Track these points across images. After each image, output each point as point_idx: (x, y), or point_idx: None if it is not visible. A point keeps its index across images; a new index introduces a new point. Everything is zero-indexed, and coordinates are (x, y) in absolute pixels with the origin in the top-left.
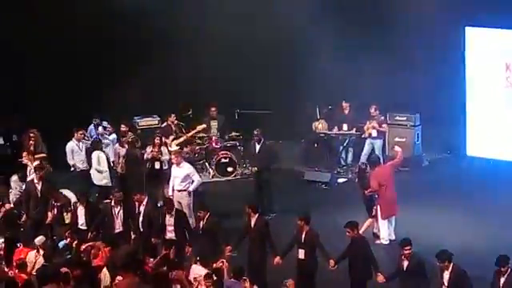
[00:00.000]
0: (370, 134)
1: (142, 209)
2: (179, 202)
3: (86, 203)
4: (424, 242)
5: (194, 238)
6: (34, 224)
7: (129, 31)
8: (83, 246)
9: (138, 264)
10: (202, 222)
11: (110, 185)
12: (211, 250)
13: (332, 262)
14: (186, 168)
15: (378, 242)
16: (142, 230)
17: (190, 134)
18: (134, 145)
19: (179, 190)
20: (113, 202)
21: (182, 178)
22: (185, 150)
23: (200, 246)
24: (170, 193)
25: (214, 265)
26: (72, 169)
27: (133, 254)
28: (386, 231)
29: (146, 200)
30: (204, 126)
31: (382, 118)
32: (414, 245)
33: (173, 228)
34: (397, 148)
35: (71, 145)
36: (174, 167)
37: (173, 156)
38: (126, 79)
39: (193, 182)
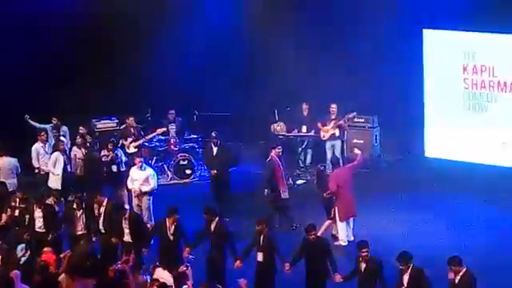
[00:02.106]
0: (332, 135)
1: (102, 210)
2: (138, 205)
3: (44, 206)
4: (383, 243)
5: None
6: None
7: (89, 31)
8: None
9: (97, 267)
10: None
11: (59, 188)
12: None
13: (287, 266)
14: (147, 171)
15: (336, 243)
16: (103, 231)
17: (148, 137)
18: (92, 147)
19: (141, 193)
20: (74, 204)
21: (142, 181)
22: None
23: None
24: (131, 194)
25: (181, 269)
26: (36, 171)
27: (89, 256)
28: (344, 233)
29: (105, 201)
30: (164, 129)
31: (345, 117)
32: (374, 246)
33: (128, 231)
34: (356, 150)
35: (37, 147)
36: (133, 170)
37: (136, 159)
38: (84, 81)
39: (149, 184)
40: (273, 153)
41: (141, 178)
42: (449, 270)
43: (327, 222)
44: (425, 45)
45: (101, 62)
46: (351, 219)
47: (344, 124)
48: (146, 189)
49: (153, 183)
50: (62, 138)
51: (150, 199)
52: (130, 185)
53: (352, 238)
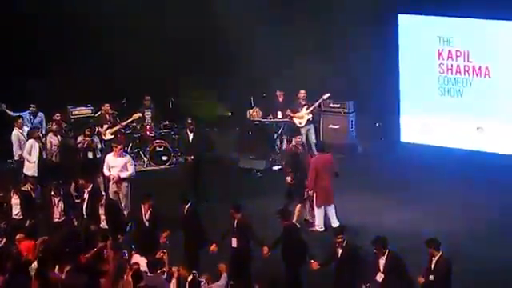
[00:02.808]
0: (308, 120)
1: (85, 196)
2: (116, 192)
3: (20, 193)
4: (360, 228)
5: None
6: None
7: (62, 19)
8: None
9: (72, 253)
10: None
11: (36, 175)
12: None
13: (265, 249)
14: (125, 158)
15: (313, 229)
16: (86, 216)
17: (124, 123)
18: (68, 134)
19: (120, 179)
20: (52, 191)
21: (121, 168)
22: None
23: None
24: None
25: (157, 255)
26: (16, 158)
27: (66, 242)
28: (320, 219)
29: (90, 187)
30: (139, 114)
31: (320, 100)
32: (350, 231)
33: (104, 217)
34: None
35: (16, 133)
36: (110, 157)
37: (116, 147)
38: (60, 69)
39: (127, 171)
40: (293, 142)
41: (119, 165)
42: (427, 252)
43: (298, 207)
44: (400, 30)
45: (77, 50)
46: (329, 207)
47: (318, 107)
48: (124, 175)
49: (131, 169)
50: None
51: (128, 186)
52: (106, 172)
53: (337, 223)
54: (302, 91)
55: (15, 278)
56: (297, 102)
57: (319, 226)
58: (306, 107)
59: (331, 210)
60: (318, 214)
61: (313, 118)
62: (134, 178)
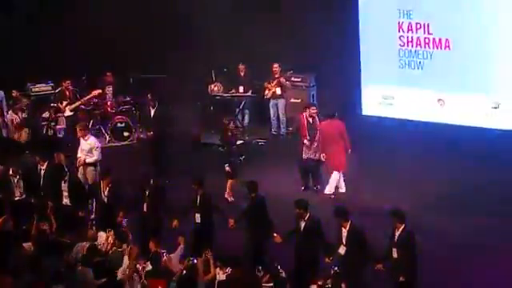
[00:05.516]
0: (274, 93)
1: (42, 173)
2: (83, 174)
3: None
4: (327, 202)
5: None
6: None
7: None
8: None
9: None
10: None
11: None
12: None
13: (231, 222)
14: (91, 141)
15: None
16: (42, 194)
17: (85, 99)
18: (26, 111)
19: (86, 164)
20: (11, 170)
21: (87, 152)
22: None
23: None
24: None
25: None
26: None
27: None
28: (332, 185)
29: (45, 164)
30: (99, 91)
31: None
32: (318, 204)
33: (67, 194)
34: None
35: None
36: (82, 140)
37: (78, 129)
38: (20, 45)
39: (93, 155)
40: (306, 112)
41: (85, 149)
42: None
43: (229, 181)
44: (360, 2)
45: (35, 25)
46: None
47: (284, 82)
48: (89, 160)
49: (96, 155)
50: None
51: (95, 170)
52: (79, 153)
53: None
54: (275, 65)
55: None
56: (272, 76)
57: (329, 191)
58: (276, 81)
59: (339, 176)
60: (331, 179)
61: (282, 92)
62: None
